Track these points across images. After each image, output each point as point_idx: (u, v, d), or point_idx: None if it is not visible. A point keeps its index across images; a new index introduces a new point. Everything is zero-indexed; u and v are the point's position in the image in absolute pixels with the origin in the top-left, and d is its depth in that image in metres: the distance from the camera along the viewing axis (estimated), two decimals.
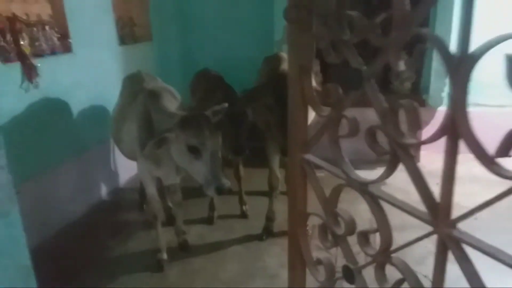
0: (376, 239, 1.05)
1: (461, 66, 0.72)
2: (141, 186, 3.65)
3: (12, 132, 2.88)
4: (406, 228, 3.22)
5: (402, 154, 0.91)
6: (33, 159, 3.09)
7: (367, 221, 3.00)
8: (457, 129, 0.77)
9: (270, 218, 3.26)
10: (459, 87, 0.73)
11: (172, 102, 2.69)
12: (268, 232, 3.22)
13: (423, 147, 4.82)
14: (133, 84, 3.05)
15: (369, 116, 1.14)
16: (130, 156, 2.95)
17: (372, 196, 1.02)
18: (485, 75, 2.83)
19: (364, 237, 1.08)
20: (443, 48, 0.75)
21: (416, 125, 0.85)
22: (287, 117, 2.42)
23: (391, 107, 0.90)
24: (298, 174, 1.30)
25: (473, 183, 3.36)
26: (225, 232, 3.30)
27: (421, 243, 0.97)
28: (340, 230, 1.16)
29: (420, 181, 0.89)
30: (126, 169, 4.14)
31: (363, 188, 1.04)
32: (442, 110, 4.35)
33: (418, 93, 4.38)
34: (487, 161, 0.72)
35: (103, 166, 3.98)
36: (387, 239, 1.00)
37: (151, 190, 2.75)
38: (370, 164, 4.69)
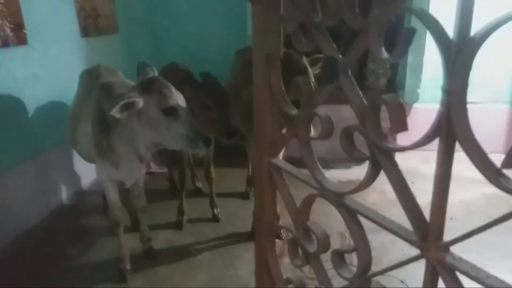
0: (353, 259, 0.90)
1: (461, 53, 0.57)
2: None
3: None
4: (380, 230, 3.16)
5: (383, 160, 0.75)
6: None
7: (340, 235, 2.88)
8: (453, 130, 0.61)
9: None
10: (458, 78, 0.57)
11: None
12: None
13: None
14: (89, 80, 2.79)
15: (344, 114, 1.00)
16: (89, 159, 2.71)
17: (348, 210, 0.86)
18: None
19: (339, 257, 0.92)
20: (439, 30, 0.59)
21: (402, 125, 0.69)
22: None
23: (371, 104, 0.74)
24: (265, 180, 1.13)
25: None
26: (195, 237, 3.11)
27: (397, 244, 0.82)
28: (312, 247, 1.00)
29: (405, 193, 0.74)
30: (89, 170, 3.84)
31: (338, 200, 0.88)
32: (417, 107, 4.28)
33: (394, 89, 4.30)
34: (492, 172, 0.57)
35: (63, 167, 3.70)
36: (365, 261, 0.85)
37: (112, 195, 2.53)
38: (345, 162, 4.62)
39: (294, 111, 0.98)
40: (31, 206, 3.24)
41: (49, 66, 3.42)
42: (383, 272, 0.84)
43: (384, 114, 0.71)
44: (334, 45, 0.84)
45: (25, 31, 3.16)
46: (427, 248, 0.70)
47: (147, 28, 4.89)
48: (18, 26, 3.12)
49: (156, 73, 2.38)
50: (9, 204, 3.03)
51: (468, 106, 0.60)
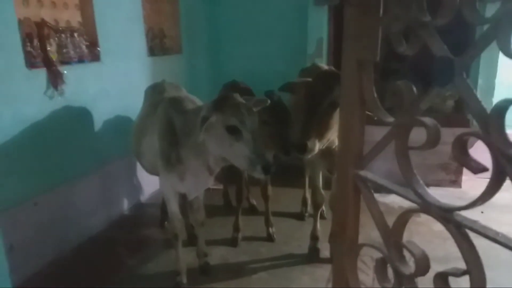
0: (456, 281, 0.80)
1: None
2: (163, 203, 3.47)
3: (33, 140, 2.77)
4: (449, 260, 2.92)
5: (511, 169, 0.66)
6: (53, 169, 2.96)
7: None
8: None
9: (315, 237, 3.04)
10: None
11: None
12: (314, 252, 3.00)
13: (464, 172, 4.48)
14: (154, 95, 2.90)
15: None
16: (152, 171, 2.77)
17: (459, 227, 0.77)
18: None
19: (443, 281, 0.82)
20: None
21: None
22: (311, 113, 2.25)
23: (497, 108, 0.66)
24: (349, 194, 1.06)
25: None
26: (250, 256, 3.05)
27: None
28: (408, 269, 0.91)
29: None
30: (149, 183, 3.97)
31: (446, 216, 0.79)
32: None
33: (462, 113, 4.05)
34: None
35: (125, 179, 3.82)
36: (480, 285, 0.74)
37: (174, 208, 2.55)
38: (404, 187, 4.40)
39: (390, 119, 0.91)
40: (93, 216, 3.36)
41: (118, 82, 3.59)
42: None
43: None
44: (445, 46, 0.78)
45: (99, 49, 3.35)
46: None
47: (209, 49, 5.04)
48: (93, 44, 3.33)
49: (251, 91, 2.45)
50: (74, 213, 3.15)
51: None
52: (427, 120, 0.80)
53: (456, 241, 0.77)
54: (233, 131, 2.06)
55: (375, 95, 0.97)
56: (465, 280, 0.81)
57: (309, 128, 2.30)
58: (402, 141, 0.88)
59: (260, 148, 2.07)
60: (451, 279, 0.83)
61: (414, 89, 0.85)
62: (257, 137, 2.10)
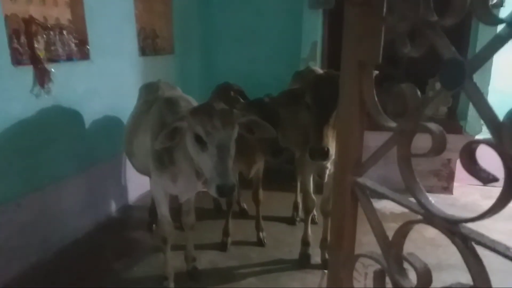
0: None
1: None
2: (152, 205, 3.40)
3: (18, 139, 2.68)
4: (442, 268, 2.89)
5: None
6: (38, 169, 2.87)
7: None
8: None
9: (306, 242, 3.00)
10: None
11: None
12: (305, 258, 2.95)
13: (456, 179, 4.48)
14: (148, 94, 2.85)
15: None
16: (143, 172, 2.71)
17: (466, 241, 0.72)
18: None
19: None
20: None
21: None
22: (324, 118, 2.21)
23: (509, 116, 0.62)
24: (347, 202, 1.01)
25: None
26: (240, 261, 2.99)
27: None
28: (408, 283, 0.86)
29: None
30: (137, 185, 3.89)
31: (451, 229, 0.74)
32: (480, 139, 4.00)
33: (455, 119, 4.05)
34: None
35: (113, 181, 3.74)
36: None
37: (163, 210, 2.47)
38: (398, 193, 4.38)
39: (392, 124, 0.87)
40: (79, 217, 3.27)
41: (108, 81, 3.51)
42: None
43: None
44: (453, 48, 0.73)
45: (88, 47, 3.27)
46: None
47: (202, 50, 4.98)
48: (82, 42, 3.25)
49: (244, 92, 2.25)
50: (59, 214, 3.06)
51: None
52: (433, 126, 0.76)
53: (463, 255, 0.73)
54: (200, 141, 1.98)
55: (376, 98, 0.93)
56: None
57: (326, 132, 2.25)
58: (405, 147, 0.84)
59: (223, 166, 1.92)
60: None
61: (419, 93, 0.81)
62: (226, 153, 1.96)
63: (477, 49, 0.83)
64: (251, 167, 2.98)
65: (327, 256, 2.90)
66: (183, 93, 2.83)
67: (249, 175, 3.05)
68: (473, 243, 0.72)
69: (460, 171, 4.15)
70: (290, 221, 3.62)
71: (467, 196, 4.19)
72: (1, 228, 2.58)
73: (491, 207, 0.66)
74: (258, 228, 3.26)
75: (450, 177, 4.18)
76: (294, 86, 2.89)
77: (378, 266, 0.96)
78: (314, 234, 3.03)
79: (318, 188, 2.95)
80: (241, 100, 2.93)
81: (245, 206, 3.76)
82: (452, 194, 4.25)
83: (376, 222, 0.94)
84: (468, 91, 0.69)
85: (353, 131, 0.98)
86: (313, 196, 2.89)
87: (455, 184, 4.27)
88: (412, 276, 0.88)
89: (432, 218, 0.78)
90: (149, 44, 4.17)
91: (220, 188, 1.89)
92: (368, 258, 0.98)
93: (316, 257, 2.96)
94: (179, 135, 2.05)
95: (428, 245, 3.05)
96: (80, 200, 3.29)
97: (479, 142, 0.67)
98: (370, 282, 2.41)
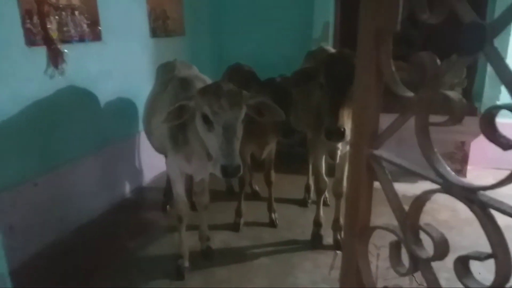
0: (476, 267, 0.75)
1: None
2: (167, 186, 3.44)
3: (33, 120, 2.72)
4: (456, 249, 2.88)
5: None
6: (54, 149, 2.91)
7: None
8: None
9: (318, 223, 3.01)
10: None
11: None
12: (317, 239, 2.96)
13: (470, 162, 4.42)
14: (165, 73, 2.86)
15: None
16: (160, 150, 2.75)
17: (485, 208, 0.72)
18: None
19: (464, 266, 0.77)
20: None
21: None
22: (339, 98, 2.18)
23: None
24: (363, 175, 1.01)
25: None
26: (252, 241, 3.02)
27: None
28: (424, 253, 0.86)
29: None
30: (152, 166, 3.93)
31: (470, 197, 0.74)
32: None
33: (470, 101, 3.98)
34: None
35: (127, 162, 3.78)
36: (505, 271, 0.70)
37: (179, 189, 2.50)
38: (410, 176, 4.34)
39: (409, 94, 0.86)
40: (94, 198, 3.33)
41: (120, 63, 3.52)
42: None
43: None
44: (474, 12, 0.71)
45: (100, 28, 3.28)
46: None
47: (212, 32, 4.95)
48: (94, 23, 3.25)
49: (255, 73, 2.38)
50: (74, 195, 3.12)
51: None
52: (452, 93, 0.75)
53: (481, 223, 0.72)
54: (207, 121, 1.98)
55: (393, 68, 0.91)
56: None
57: (342, 112, 2.20)
58: (423, 117, 0.83)
59: (229, 147, 1.91)
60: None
61: (438, 61, 0.79)
62: (232, 134, 1.94)
63: (496, 15, 0.80)
64: (264, 148, 2.98)
65: (339, 237, 2.91)
66: (199, 73, 2.83)
67: (261, 157, 3.06)
68: (491, 211, 0.72)
69: (474, 154, 4.09)
70: (302, 203, 3.62)
71: (480, 179, 4.13)
72: (18, 208, 2.64)
73: (509, 175, 0.65)
74: (270, 210, 3.28)
75: (464, 160, 4.11)
76: (305, 65, 2.86)
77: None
78: (326, 216, 3.04)
79: (330, 171, 2.95)
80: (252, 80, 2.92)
81: (257, 188, 3.78)
82: (465, 177, 4.20)
83: (392, 193, 0.94)
84: (489, 55, 0.67)
85: (370, 103, 0.96)
86: (325, 177, 2.89)
87: (469, 167, 4.21)
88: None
89: (450, 187, 0.77)
90: (160, 26, 4.15)
91: (224, 168, 1.89)
92: (384, 230, 0.98)
93: (328, 238, 2.97)
94: (187, 113, 2.05)
95: (441, 228, 3.02)
96: (95, 180, 3.34)
97: (499, 107, 0.65)
98: (382, 263, 2.41)
